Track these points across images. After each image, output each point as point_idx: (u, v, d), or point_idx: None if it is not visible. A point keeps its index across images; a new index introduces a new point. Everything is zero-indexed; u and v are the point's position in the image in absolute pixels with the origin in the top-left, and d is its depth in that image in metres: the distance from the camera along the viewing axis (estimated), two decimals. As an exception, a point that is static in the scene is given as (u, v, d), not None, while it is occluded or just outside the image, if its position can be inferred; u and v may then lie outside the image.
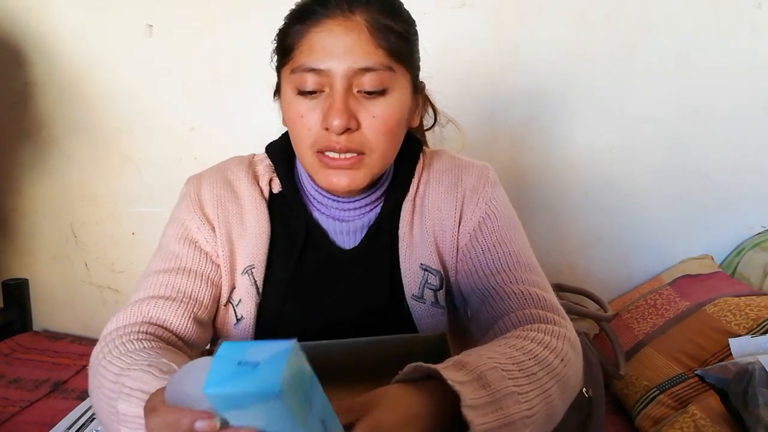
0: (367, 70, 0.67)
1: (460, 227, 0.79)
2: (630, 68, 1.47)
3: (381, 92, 0.69)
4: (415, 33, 0.74)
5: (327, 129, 0.68)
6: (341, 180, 0.71)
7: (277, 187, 0.81)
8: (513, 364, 0.57)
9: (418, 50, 0.75)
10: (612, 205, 1.56)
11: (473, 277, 0.76)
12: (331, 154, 0.70)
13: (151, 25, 1.57)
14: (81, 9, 1.57)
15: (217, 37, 1.55)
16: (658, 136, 1.50)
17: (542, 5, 1.45)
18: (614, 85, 1.48)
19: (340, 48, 0.66)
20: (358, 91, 0.68)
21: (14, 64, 1.62)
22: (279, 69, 0.75)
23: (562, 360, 0.62)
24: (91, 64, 1.60)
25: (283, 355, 0.40)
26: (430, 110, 0.87)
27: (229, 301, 0.78)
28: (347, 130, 0.68)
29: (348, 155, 0.70)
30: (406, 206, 0.80)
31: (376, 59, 0.67)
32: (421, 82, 0.79)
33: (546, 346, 0.62)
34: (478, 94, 1.51)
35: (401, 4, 0.73)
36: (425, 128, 0.88)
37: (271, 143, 0.84)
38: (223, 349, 0.41)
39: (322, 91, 0.68)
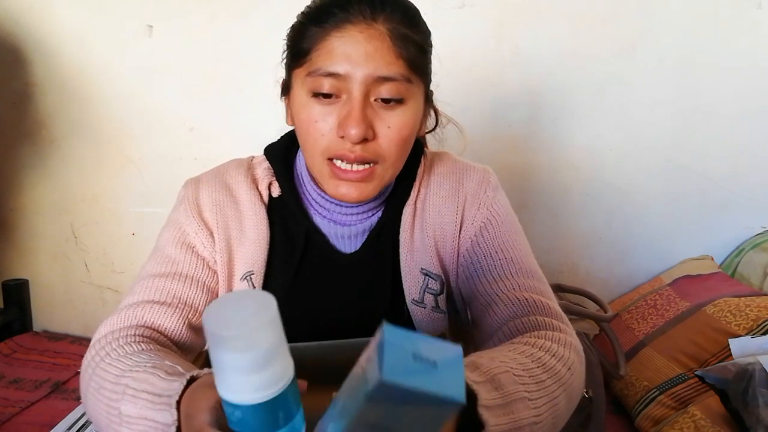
0: (386, 79, 0.66)
1: (461, 232, 0.79)
2: (630, 68, 1.47)
3: (398, 103, 0.68)
4: (431, 45, 0.74)
5: (342, 137, 0.67)
6: (351, 192, 0.70)
7: (276, 191, 0.79)
8: (523, 370, 0.57)
9: (431, 61, 0.75)
10: (612, 205, 1.56)
11: (475, 283, 0.76)
12: (342, 165, 0.69)
13: (151, 25, 1.57)
14: (81, 9, 1.57)
15: (217, 37, 1.55)
16: (658, 136, 1.50)
17: (542, 5, 1.45)
18: (614, 85, 1.48)
19: (362, 55, 0.65)
20: (375, 100, 0.67)
21: (14, 64, 1.62)
22: (291, 69, 0.73)
23: (569, 369, 0.62)
24: (91, 64, 1.60)
25: (458, 361, 0.38)
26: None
27: None
28: (364, 139, 0.67)
29: (360, 167, 0.69)
30: (407, 210, 0.79)
31: (396, 69, 0.66)
32: (431, 91, 0.78)
33: (553, 355, 0.62)
34: (478, 94, 1.51)
35: (420, 16, 0.72)
36: (426, 131, 0.88)
37: (269, 145, 0.83)
38: (390, 334, 0.38)
39: (338, 97, 0.67)
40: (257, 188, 0.79)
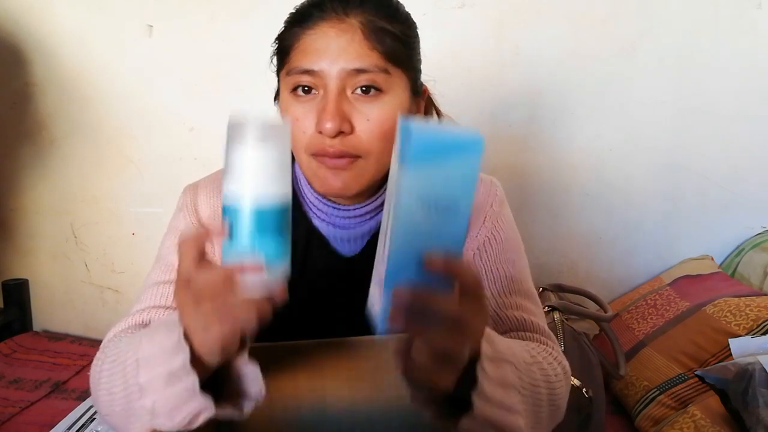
0: (360, 71, 0.66)
1: (464, 243, 0.79)
2: (630, 68, 1.47)
3: (376, 95, 0.68)
4: (415, 35, 0.73)
5: (321, 132, 0.67)
6: (335, 182, 0.70)
7: None
8: (524, 362, 0.60)
9: (418, 52, 0.74)
10: (612, 205, 1.56)
11: None
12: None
13: (151, 25, 1.57)
14: (81, 9, 1.57)
15: (217, 37, 1.55)
16: (658, 136, 1.50)
17: (542, 5, 1.45)
18: (614, 85, 1.48)
19: (333, 49, 0.66)
20: (352, 93, 0.67)
21: (14, 64, 1.62)
22: (278, 72, 0.74)
23: (552, 384, 0.64)
24: (91, 64, 1.60)
25: (475, 131, 0.46)
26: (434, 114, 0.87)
27: None
28: (340, 133, 0.67)
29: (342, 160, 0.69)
30: None
31: (370, 61, 0.66)
32: (423, 84, 0.78)
33: (544, 367, 0.64)
34: (478, 94, 1.51)
35: (400, 6, 0.72)
36: None
37: None
38: (406, 119, 0.47)
39: (316, 93, 0.68)
40: None
